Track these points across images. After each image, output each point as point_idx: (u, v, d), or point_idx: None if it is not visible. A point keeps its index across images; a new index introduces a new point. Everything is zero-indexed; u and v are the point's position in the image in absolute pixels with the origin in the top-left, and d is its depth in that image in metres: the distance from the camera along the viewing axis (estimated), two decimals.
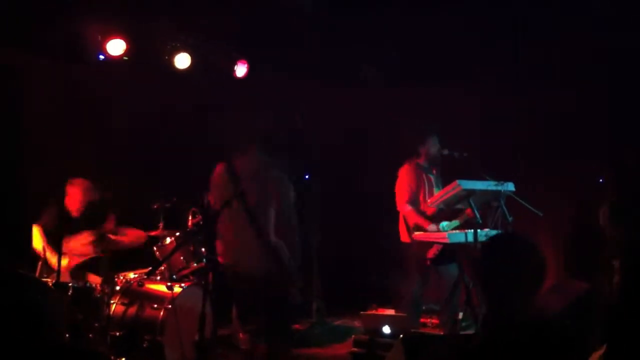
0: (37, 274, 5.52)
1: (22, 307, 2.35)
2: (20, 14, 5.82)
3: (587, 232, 6.93)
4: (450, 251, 6.18)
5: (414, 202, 6.40)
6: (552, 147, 7.46)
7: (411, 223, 6.34)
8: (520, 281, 2.64)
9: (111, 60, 6.34)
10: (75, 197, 5.97)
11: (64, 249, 5.21)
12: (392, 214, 6.60)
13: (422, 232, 6.23)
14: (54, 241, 5.53)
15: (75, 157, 6.46)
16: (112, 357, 5.09)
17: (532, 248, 2.70)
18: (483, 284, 2.72)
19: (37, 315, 2.38)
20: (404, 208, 6.39)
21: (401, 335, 4.87)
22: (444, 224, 6.21)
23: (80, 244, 5.52)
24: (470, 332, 6.17)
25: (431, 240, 6.15)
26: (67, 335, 4.98)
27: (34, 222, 5.77)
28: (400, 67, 7.82)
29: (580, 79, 6.98)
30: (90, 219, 5.98)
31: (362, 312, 6.07)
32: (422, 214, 6.37)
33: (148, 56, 6.63)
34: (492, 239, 2.94)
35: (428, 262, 6.23)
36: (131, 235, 5.80)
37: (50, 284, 4.95)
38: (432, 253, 6.20)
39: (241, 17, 6.75)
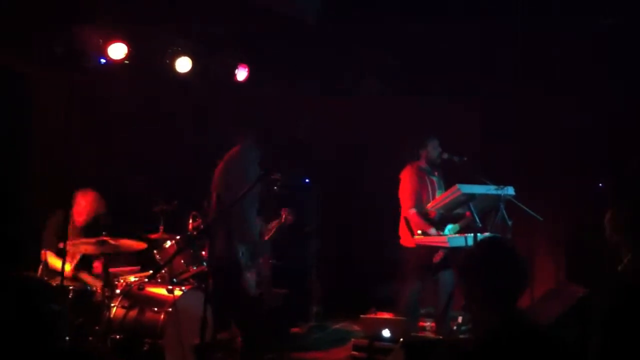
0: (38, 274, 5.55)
1: (30, 313, 2.37)
2: (22, 20, 5.84)
3: (587, 237, 6.96)
4: (447, 257, 6.21)
5: (419, 204, 6.39)
6: (552, 153, 7.48)
7: (415, 227, 6.33)
8: (507, 284, 2.69)
9: (112, 65, 6.35)
10: (84, 208, 5.94)
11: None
12: (392, 218, 6.60)
13: (423, 236, 6.23)
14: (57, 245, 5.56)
15: (78, 162, 6.48)
16: None
17: (515, 252, 2.77)
18: (470, 287, 2.76)
19: (44, 320, 2.40)
20: (409, 212, 6.37)
21: (401, 340, 4.90)
22: (449, 226, 6.23)
23: (81, 246, 5.52)
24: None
25: (432, 244, 6.15)
26: (67, 338, 5.00)
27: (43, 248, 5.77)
28: (401, 75, 7.85)
29: (581, 86, 7.00)
30: (91, 228, 5.99)
31: (361, 316, 6.07)
32: (427, 218, 6.36)
33: (149, 60, 6.63)
34: (478, 244, 2.98)
35: (434, 266, 6.25)
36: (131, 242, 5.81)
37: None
38: (437, 257, 6.21)
39: (245, 26, 6.77)
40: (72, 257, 5.79)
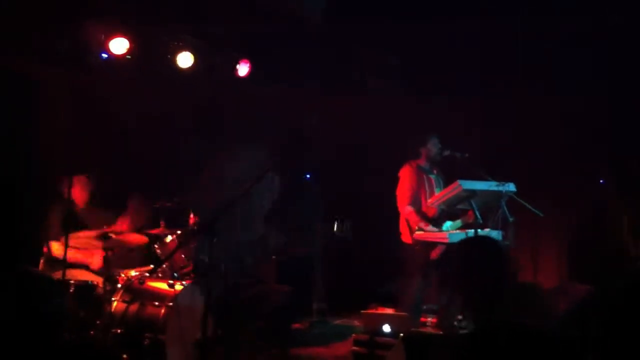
0: (39, 268, 5.56)
1: (31, 307, 2.38)
2: (23, 20, 5.85)
3: (589, 234, 6.98)
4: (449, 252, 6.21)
5: (415, 203, 6.42)
6: (552, 152, 7.50)
7: (413, 224, 6.35)
8: (487, 285, 2.70)
9: (114, 60, 6.36)
10: (78, 191, 6.04)
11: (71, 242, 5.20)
12: (393, 215, 6.62)
13: (423, 232, 6.25)
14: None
15: (80, 157, 6.50)
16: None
17: (500, 248, 2.79)
18: (462, 285, 2.77)
19: (45, 315, 2.41)
20: (406, 209, 6.40)
21: (402, 335, 4.89)
22: (448, 223, 6.23)
23: (84, 239, 5.54)
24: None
25: (432, 240, 6.16)
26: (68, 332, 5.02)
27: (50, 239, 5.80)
28: (403, 75, 7.86)
29: (582, 82, 7.01)
30: (93, 215, 6.02)
31: (362, 311, 6.07)
32: (424, 215, 6.39)
33: (151, 55, 6.64)
34: (462, 242, 3.00)
35: (432, 262, 6.26)
36: (133, 237, 5.83)
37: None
38: (435, 254, 6.22)
39: (249, 25, 6.79)
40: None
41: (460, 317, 6.51)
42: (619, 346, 2.63)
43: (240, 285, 5.85)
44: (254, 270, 6.46)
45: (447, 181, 6.41)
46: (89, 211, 6.14)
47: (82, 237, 5.50)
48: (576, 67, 6.94)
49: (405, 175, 6.52)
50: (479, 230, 5.71)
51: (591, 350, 2.70)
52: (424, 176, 6.53)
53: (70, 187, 5.36)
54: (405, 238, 6.49)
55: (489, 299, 2.76)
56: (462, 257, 2.81)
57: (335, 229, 5.62)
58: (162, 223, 5.99)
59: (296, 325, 7.35)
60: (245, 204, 5.68)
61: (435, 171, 6.63)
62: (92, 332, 5.30)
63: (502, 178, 5.88)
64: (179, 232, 5.95)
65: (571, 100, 7.21)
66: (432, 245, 6.22)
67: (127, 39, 6.32)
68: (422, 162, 6.57)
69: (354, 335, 5.89)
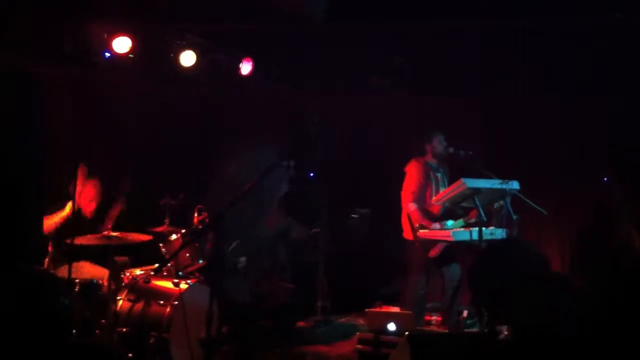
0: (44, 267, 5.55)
1: (38, 307, 2.38)
2: (27, 17, 5.85)
3: (591, 232, 6.98)
4: (452, 251, 6.22)
5: (420, 200, 6.40)
6: (553, 151, 7.52)
7: (414, 222, 6.35)
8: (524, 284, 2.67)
9: (117, 59, 6.35)
10: (90, 197, 5.96)
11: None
12: (396, 214, 6.62)
13: (426, 230, 6.24)
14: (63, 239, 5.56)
15: (85, 156, 6.49)
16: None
17: (530, 249, 2.74)
18: (491, 292, 2.74)
19: (52, 315, 2.41)
20: (409, 207, 6.39)
21: (407, 333, 4.90)
22: (450, 222, 6.23)
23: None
24: (475, 330, 6.22)
25: (436, 238, 6.16)
26: (74, 332, 5.01)
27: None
28: (406, 74, 7.87)
29: (582, 83, 7.03)
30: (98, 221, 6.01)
31: (367, 310, 6.08)
32: (427, 213, 6.38)
33: (154, 54, 6.64)
34: (490, 247, 2.96)
35: (432, 261, 6.27)
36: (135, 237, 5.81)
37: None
38: (434, 252, 6.22)
39: (252, 23, 6.79)
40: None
41: (464, 315, 6.56)
42: (618, 346, 2.64)
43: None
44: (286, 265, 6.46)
45: (451, 179, 6.42)
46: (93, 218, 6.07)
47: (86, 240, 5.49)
48: (576, 67, 6.96)
49: (412, 171, 6.50)
50: (483, 228, 5.72)
51: (589, 349, 2.71)
52: (432, 173, 6.52)
53: (75, 185, 5.34)
54: (407, 235, 6.48)
55: (502, 301, 2.73)
56: (483, 262, 2.77)
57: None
58: (166, 221, 5.99)
59: (300, 324, 7.36)
60: (260, 197, 5.69)
61: (442, 169, 6.64)
62: (97, 331, 5.30)
63: (504, 176, 5.89)
64: (183, 230, 5.95)
65: (572, 102, 7.24)
66: (433, 243, 6.21)
67: (130, 37, 6.30)
68: (429, 159, 6.57)
69: (358, 333, 5.90)
